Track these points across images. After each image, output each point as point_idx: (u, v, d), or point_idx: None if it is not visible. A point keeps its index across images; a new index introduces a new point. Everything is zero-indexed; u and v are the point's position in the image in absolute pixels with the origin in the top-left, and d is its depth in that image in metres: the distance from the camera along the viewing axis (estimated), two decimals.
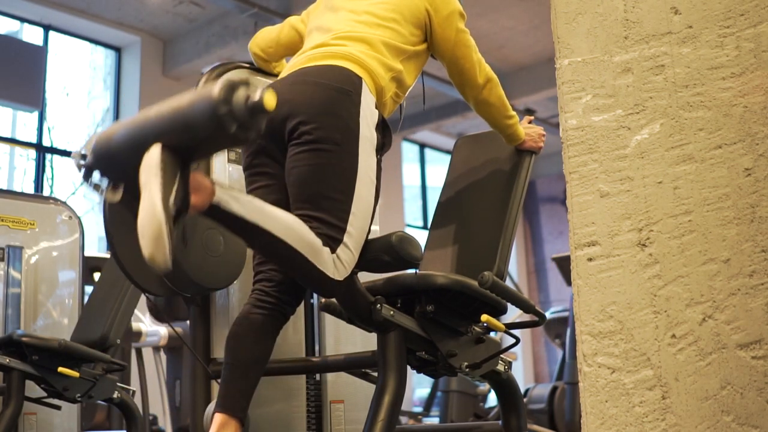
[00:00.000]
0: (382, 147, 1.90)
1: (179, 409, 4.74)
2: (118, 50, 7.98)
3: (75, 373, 2.91)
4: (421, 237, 2.11)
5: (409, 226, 10.29)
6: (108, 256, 3.79)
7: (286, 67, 1.99)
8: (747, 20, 1.16)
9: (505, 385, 2.17)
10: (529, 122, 2.32)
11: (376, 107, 1.87)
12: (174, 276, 1.97)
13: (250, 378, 1.82)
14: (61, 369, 2.87)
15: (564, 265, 5.93)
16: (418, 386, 9.57)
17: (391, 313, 1.83)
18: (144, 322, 4.68)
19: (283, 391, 2.31)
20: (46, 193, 7.35)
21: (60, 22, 7.45)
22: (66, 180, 7.71)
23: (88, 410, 4.49)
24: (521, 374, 10.68)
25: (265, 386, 2.12)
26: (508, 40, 8.23)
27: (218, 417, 1.77)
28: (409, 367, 1.94)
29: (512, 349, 2.12)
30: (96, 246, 7.35)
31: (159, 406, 4.98)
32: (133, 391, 3.44)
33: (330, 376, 2.39)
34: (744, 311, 1.10)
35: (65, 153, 7.64)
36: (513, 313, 5.60)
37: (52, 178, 7.56)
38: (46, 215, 3.57)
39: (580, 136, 1.25)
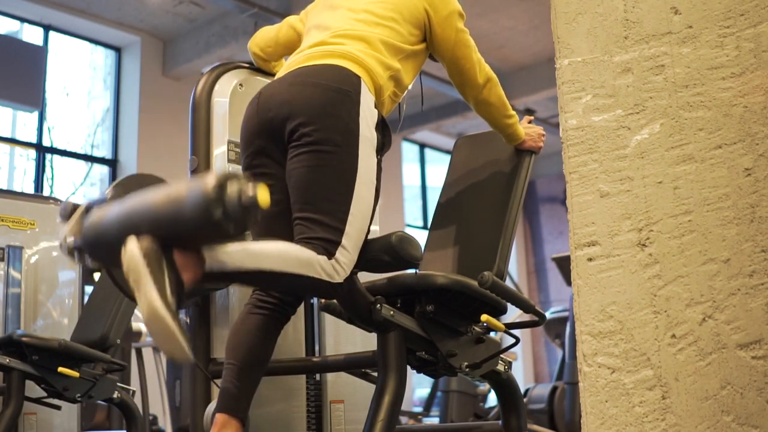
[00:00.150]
0: (382, 147, 1.90)
1: (179, 409, 4.74)
2: (118, 50, 7.98)
3: (75, 373, 2.91)
4: (421, 237, 2.11)
5: (409, 226, 10.29)
6: None
7: (284, 65, 1.98)
8: (747, 20, 1.16)
9: (505, 385, 2.17)
10: (529, 122, 2.32)
11: (375, 106, 1.87)
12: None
13: (251, 378, 1.83)
14: (61, 369, 2.87)
15: (564, 265, 5.93)
16: (418, 386, 9.57)
17: (391, 313, 1.83)
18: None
19: (283, 391, 2.31)
20: (46, 193, 7.35)
21: (60, 22, 7.45)
22: (66, 180, 7.72)
23: (88, 410, 4.49)
24: (521, 374, 10.68)
25: (265, 386, 2.12)
26: (508, 40, 8.23)
27: (219, 417, 1.77)
28: (409, 367, 1.94)
29: (512, 349, 2.12)
30: None
31: (159, 406, 4.98)
32: (133, 391, 3.44)
33: (330, 376, 2.39)
34: (744, 311, 1.10)
35: (65, 153, 7.65)
36: (513, 313, 5.60)
37: (52, 178, 7.56)
38: (46, 215, 3.58)
39: (580, 136, 1.25)
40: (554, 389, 5.61)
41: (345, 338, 2.44)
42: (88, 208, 1.55)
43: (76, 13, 7.29)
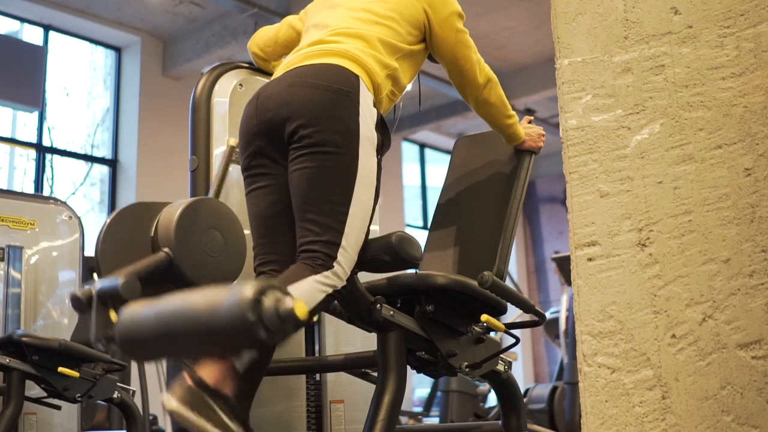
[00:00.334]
0: (382, 146, 1.90)
1: None
2: (118, 50, 7.98)
3: (75, 373, 2.91)
4: (421, 237, 2.11)
5: (409, 226, 10.29)
6: None
7: (283, 64, 1.98)
8: (747, 20, 1.16)
9: (505, 385, 2.17)
10: (529, 122, 2.32)
11: (374, 105, 1.87)
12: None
13: (253, 378, 1.83)
14: (61, 369, 2.87)
15: (564, 265, 5.93)
16: (418, 386, 9.57)
17: (391, 313, 1.83)
18: None
19: (283, 391, 2.31)
20: (46, 193, 7.36)
21: (60, 22, 7.45)
22: (66, 180, 7.72)
23: (88, 410, 4.49)
24: (521, 374, 10.68)
25: (265, 386, 2.11)
26: (508, 40, 8.23)
27: None
28: (409, 367, 1.94)
29: (512, 349, 2.12)
30: None
31: (159, 406, 4.98)
32: (133, 391, 3.44)
33: (330, 376, 2.39)
34: (744, 311, 1.10)
35: (65, 153, 7.65)
36: (513, 313, 5.60)
37: (52, 178, 7.56)
38: (46, 215, 3.57)
39: (580, 136, 1.25)
40: (554, 389, 5.61)
41: (345, 338, 2.44)
42: (103, 301, 1.58)
43: (76, 13, 7.29)
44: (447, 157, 2.49)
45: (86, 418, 4.32)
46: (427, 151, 11.07)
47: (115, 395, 3.12)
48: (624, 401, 1.15)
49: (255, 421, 2.12)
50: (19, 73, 6.85)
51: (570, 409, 5.27)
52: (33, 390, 3.07)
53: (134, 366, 4.54)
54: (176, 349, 1.46)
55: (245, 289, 1.31)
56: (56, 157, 7.59)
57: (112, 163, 7.81)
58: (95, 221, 7.62)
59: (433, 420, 6.52)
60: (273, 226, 1.87)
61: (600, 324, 1.19)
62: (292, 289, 1.68)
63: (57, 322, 3.52)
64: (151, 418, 4.95)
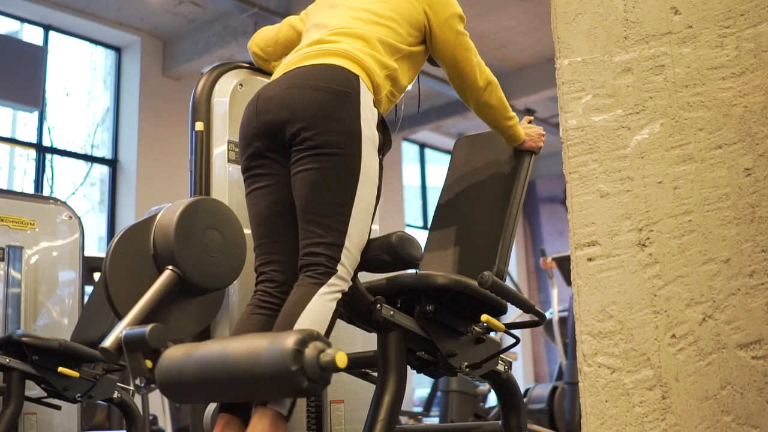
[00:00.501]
0: (383, 146, 1.90)
1: (179, 409, 4.74)
2: (118, 50, 7.99)
3: (75, 373, 2.91)
4: (421, 237, 2.11)
5: (409, 226, 10.29)
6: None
7: (282, 64, 1.98)
8: (747, 20, 1.16)
9: (505, 385, 2.17)
10: (529, 122, 2.32)
11: (374, 105, 1.87)
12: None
13: None
14: (61, 369, 2.87)
15: (564, 265, 5.93)
16: (418, 386, 9.57)
17: (391, 313, 1.83)
18: None
19: None
20: (46, 193, 7.36)
21: (60, 22, 7.46)
22: (66, 180, 7.72)
23: (88, 410, 4.49)
24: (521, 374, 10.68)
25: None
26: (508, 40, 8.23)
27: (222, 417, 1.77)
28: (409, 367, 1.94)
29: (512, 349, 2.12)
30: (96, 246, 7.35)
31: (159, 406, 4.98)
32: (133, 391, 3.44)
33: None
34: (744, 311, 1.10)
35: (65, 153, 7.65)
36: (513, 313, 5.60)
37: (52, 178, 7.56)
38: (46, 215, 3.58)
39: (580, 136, 1.25)
40: (554, 389, 5.61)
41: (345, 338, 2.44)
42: (132, 348, 1.59)
43: (76, 13, 7.29)
44: (447, 157, 2.49)
45: (86, 418, 4.32)
46: (427, 151, 11.08)
47: (115, 395, 3.12)
48: (624, 401, 1.15)
49: None
50: (19, 73, 6.85)
51: (570, 409, 5.27)
52: (33, 390, 3.07)
53: None
54: (217, 395, 1.49)
55: (287, 338, 1.32)
56: (56, 157, 7.59)
57: (112, 163, 7.81)
58: (95, 221, 7.63)
59: (433, 420, 6.52)
60: (273, 226, 1.87)
61: (600, 324, 1.19)
62: (305, 314, 1.69)
63: (57, 322, 3.52)
64: (151, 418, 4.95)
